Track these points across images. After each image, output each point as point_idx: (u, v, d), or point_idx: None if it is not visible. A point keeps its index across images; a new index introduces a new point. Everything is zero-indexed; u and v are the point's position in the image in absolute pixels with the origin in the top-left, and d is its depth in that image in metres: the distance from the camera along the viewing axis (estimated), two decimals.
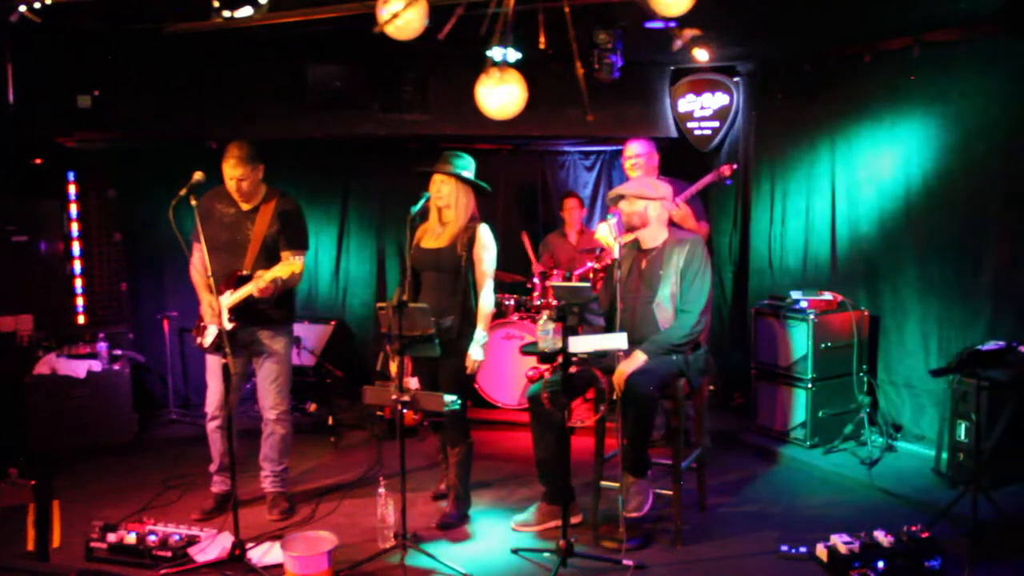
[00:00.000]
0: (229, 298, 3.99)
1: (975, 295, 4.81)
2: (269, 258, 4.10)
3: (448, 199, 4.10)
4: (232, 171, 4.02)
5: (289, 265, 3.89)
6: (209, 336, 4.08)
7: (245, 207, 4.15)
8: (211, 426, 4.27)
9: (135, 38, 4.83)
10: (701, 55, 4.43)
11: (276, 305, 4.09)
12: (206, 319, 4.11)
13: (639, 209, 4.05)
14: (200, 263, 4.04)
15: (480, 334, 4.10)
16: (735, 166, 5.23)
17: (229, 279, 4.03)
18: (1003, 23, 4.48)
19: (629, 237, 4.12)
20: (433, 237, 4.18)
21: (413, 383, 4.02)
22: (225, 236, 4.14)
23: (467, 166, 4.15)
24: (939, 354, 4.98)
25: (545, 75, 4.04)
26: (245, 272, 4.04)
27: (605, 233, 4.29)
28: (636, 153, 5.10)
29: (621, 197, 4.09)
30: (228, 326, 3.97)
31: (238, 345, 4.15)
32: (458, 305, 4.07)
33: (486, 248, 4.13)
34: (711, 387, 5.17)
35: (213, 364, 4.17)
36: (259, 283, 3.90)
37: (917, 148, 5.09)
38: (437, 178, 4.12)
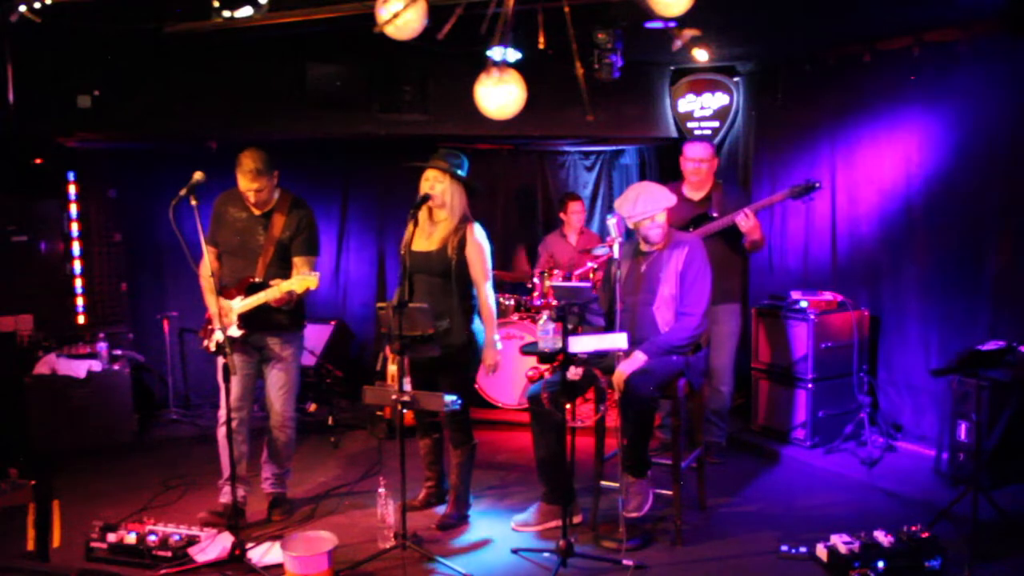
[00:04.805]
0: (240, 304, 3.97)
1: (975, 295, 4.80)
2: (282, 264, 4.07)
3: (442, 197, 3.98)
4: (250, 184, 3.96)
5: (305, 281, 3.85)
6: (216, 339, 4.06)
7: (257, 211, 4.10)
8: (222, 432, 4.08)
9: (135, 38, 4.82)
10: (701, 55, 4.42)
11: (285, 311, 4.04)
12: (215, 324, 4.06)
13: (661, 222, 3.99)
14: (209, 268, 3.93)
15: (492, 337, 4.06)
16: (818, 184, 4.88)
17: (240, 284, 4.02)
18: (1003, 22, 4.48)
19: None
20: (424, 238, 4.07)
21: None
22: (236, 240, 4.11)
23: (461, 164, 4.05)
24: (939, 354, 4.97)
25: (545, 75, 4.03)
26: (257, 279, 4.01)
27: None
28: (711, 155, 4.95)
29: (637, 214, 3.90)
30: (236, 333, 3.97)
31: (251, 348, 4.14)
32: (452, 308, 3.99)
33: (478, 248, 4.01)
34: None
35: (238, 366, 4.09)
36: (274, 292, 3.87)
37: (917, 148, 5.08)
38: (431, 175, 3.99)
